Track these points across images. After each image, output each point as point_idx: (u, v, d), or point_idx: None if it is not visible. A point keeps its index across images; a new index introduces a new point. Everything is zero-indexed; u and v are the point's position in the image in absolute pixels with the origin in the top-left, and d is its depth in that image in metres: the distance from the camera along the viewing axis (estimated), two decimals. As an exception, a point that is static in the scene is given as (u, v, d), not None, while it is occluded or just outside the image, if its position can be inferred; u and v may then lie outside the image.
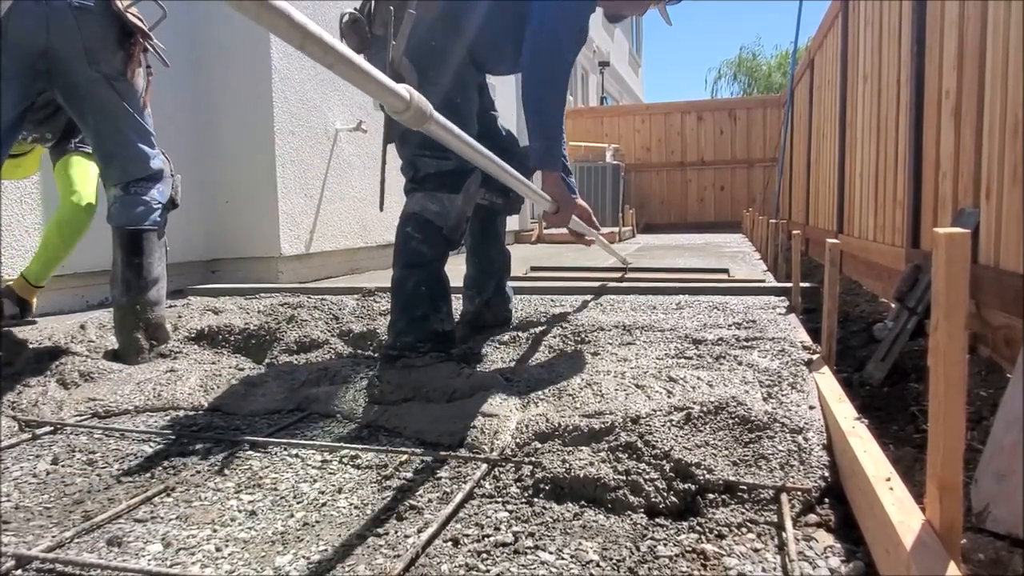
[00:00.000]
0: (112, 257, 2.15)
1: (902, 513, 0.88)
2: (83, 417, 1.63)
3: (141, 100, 2.14)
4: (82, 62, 1.97)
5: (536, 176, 2.05)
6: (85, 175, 2.52)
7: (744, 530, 1.03)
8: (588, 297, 2.96)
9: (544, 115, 1.92)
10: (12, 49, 1.89)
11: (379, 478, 1.25)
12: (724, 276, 3.79)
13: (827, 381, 1.57)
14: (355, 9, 1.95)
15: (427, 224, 1.93)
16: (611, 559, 0.94)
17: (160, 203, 2.17)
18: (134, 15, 2.07)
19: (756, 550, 0.97)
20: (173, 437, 1.49)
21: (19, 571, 0.95)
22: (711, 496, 1.11)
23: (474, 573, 0.92)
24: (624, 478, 1.13)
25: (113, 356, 2.13)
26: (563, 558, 0.95)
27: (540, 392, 1.62)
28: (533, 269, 4.42)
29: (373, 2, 1.92)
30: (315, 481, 1.24)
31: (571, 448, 1.26)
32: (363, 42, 1.94)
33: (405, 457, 1.33)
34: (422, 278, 1.93)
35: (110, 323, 2.45)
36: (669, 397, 1.48)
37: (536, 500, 1.13)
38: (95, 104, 2.05)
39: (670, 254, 5.78)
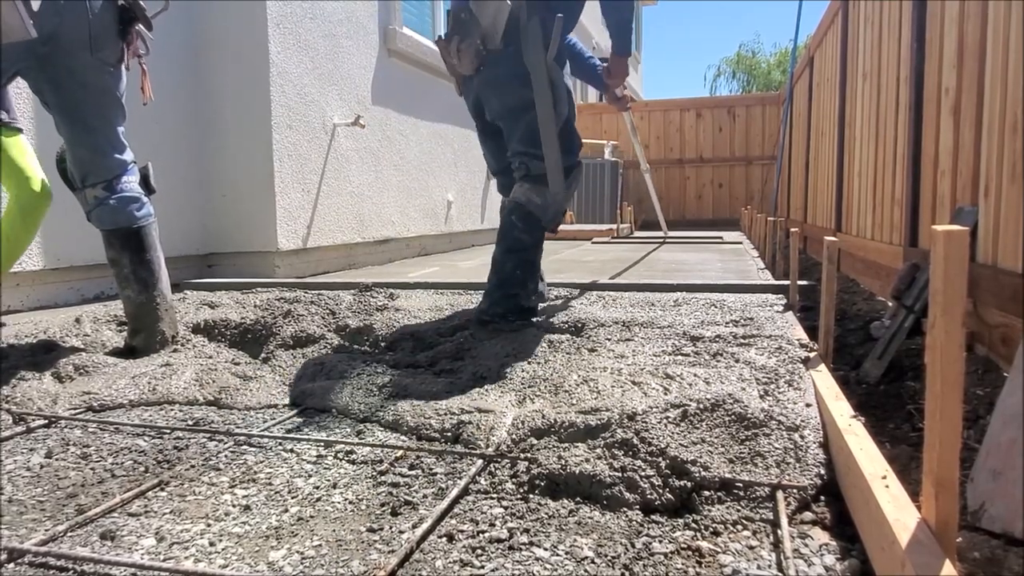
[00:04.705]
0: (110, 256, 2.12)
1: (898, 511, 0.87)
2: (78, 411, 1.62)
3: (123, 92, 2.13)
4: (85, 48, 1.96)
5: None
6: (24, 156, 2.32)
7: (740, 527, 1.03)
8: (586, 292, 2.96)
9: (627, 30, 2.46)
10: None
11: (374, 473, 1.25)
12: (721, 237, 6.38)
13: (824, 379, 1.57)
14: (443, 34, 2.27)
15: (529, 216, 2.30)
16: (606, 556, 0.94)
17: (144, 192, 2.16)
18: (141, 5, 2.06)
19: (751, 547, 0.97)
20: (168, 431, 1.48)
21: (12, 564, 0.95)
22: (707, 493, 1.11)
23: (469, 569, 0.91)
24: (620, 475, 1.13)
25: (129, 352, 2.11)
26: (558, 554, 0.95)
27: (536, 388, 1.62)
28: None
29: (500, 16, 2.17)
30: (310, 476, 1.24)
31: (567, 444, 1.25)
32: (482, 61, 2.26)
33: (400, 452, 1.33)
34: (518, 263, 2.30)
35: (105, 316, 2.45)
36: (666, 394, 1.48)
37: (531, 496, 1.12)
38: (87, 92, 2.02)
39: (672, 250, 5.76)
